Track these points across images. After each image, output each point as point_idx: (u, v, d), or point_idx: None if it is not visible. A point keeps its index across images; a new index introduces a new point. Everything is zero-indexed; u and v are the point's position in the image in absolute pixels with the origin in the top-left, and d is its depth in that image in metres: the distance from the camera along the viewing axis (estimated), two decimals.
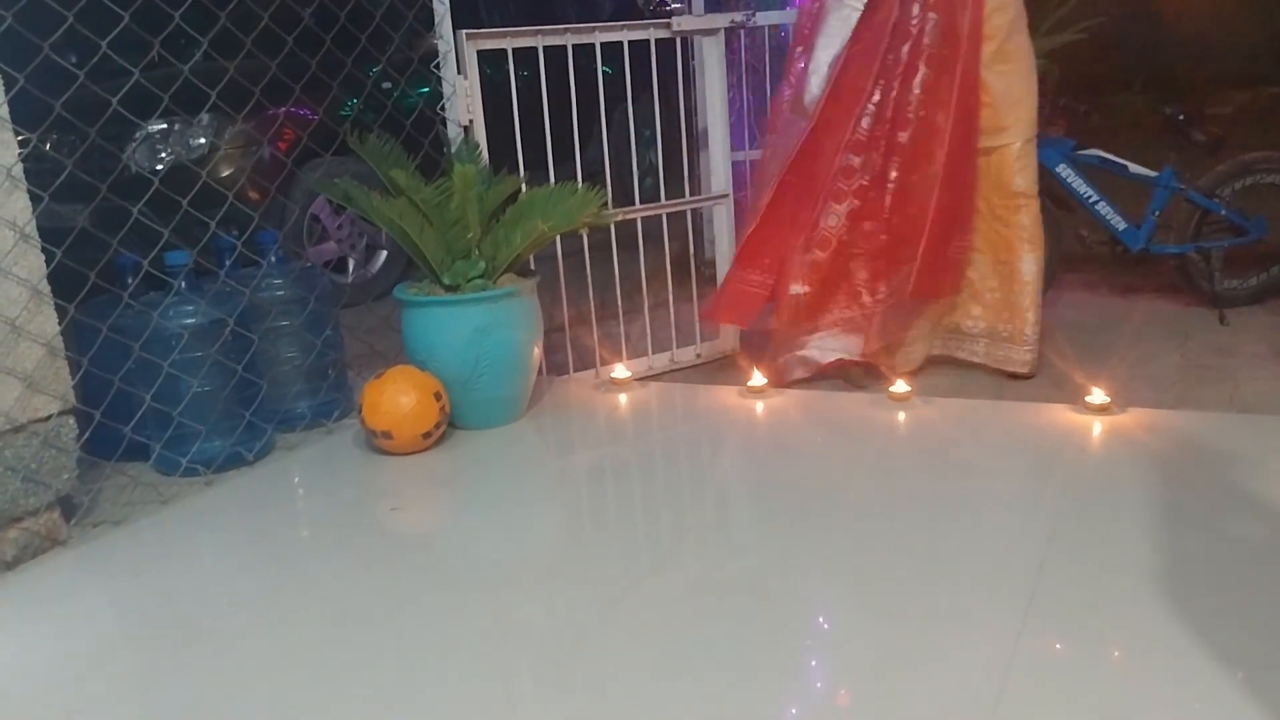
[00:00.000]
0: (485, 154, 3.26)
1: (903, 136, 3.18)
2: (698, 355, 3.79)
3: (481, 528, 2.50)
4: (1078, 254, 4.23)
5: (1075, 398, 2.92)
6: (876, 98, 3.19)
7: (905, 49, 3.17)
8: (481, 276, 2.98)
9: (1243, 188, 3.83)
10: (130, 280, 2.79)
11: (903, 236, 3.20)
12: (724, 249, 3.80)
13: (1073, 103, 3.79)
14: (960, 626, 1.86)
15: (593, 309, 3.60)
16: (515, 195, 3.12)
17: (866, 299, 3.25)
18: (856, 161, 3.20)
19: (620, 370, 3.41)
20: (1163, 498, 2.32)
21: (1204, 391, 3.12)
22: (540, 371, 3.22)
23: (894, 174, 3.20)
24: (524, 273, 3.14)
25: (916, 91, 3.17)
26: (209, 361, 2.77)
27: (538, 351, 3.12)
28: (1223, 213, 3.81)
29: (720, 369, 3.71)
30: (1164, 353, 3.50)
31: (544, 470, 2.88)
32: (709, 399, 3.28)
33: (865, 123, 3.20)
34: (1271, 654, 1.71)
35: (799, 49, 3.38)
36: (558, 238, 3.19)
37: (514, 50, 3.31)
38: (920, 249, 3.16)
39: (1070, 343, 3.57)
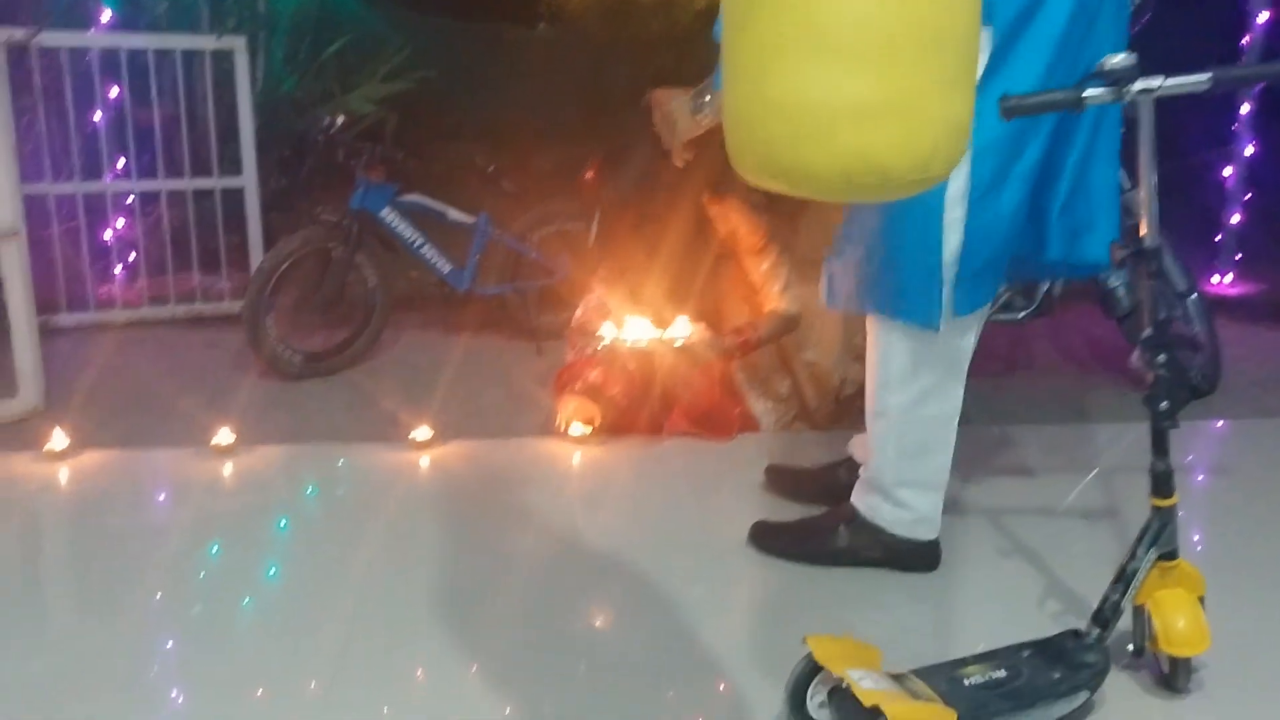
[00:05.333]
0: None
1: None
2: None
3: None
4: (411, 295, 4.40)
5: (403, 435, 3.00)
6: None
7: None
8: None
9: (548, 233, 4.27)
10: None
11: None
12: (16, 290, 3.30)
13: (390, 150, 3.92)
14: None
15: None
16: None
17: None
18: None
19: None
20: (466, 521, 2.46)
21: (522, 419, 3.39)
22: None
23: None
24: None
25: None
26: None
27: None
28: (533, 255, 4.21)
29: (15, 433, 3.22)
30: (490, 386, 3.75)
31: None
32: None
33: None
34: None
35: None
36: None
37: None
38: None
39: (407, 382, 3.67)
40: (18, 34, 3.22)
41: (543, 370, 3.92)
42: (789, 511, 2.51)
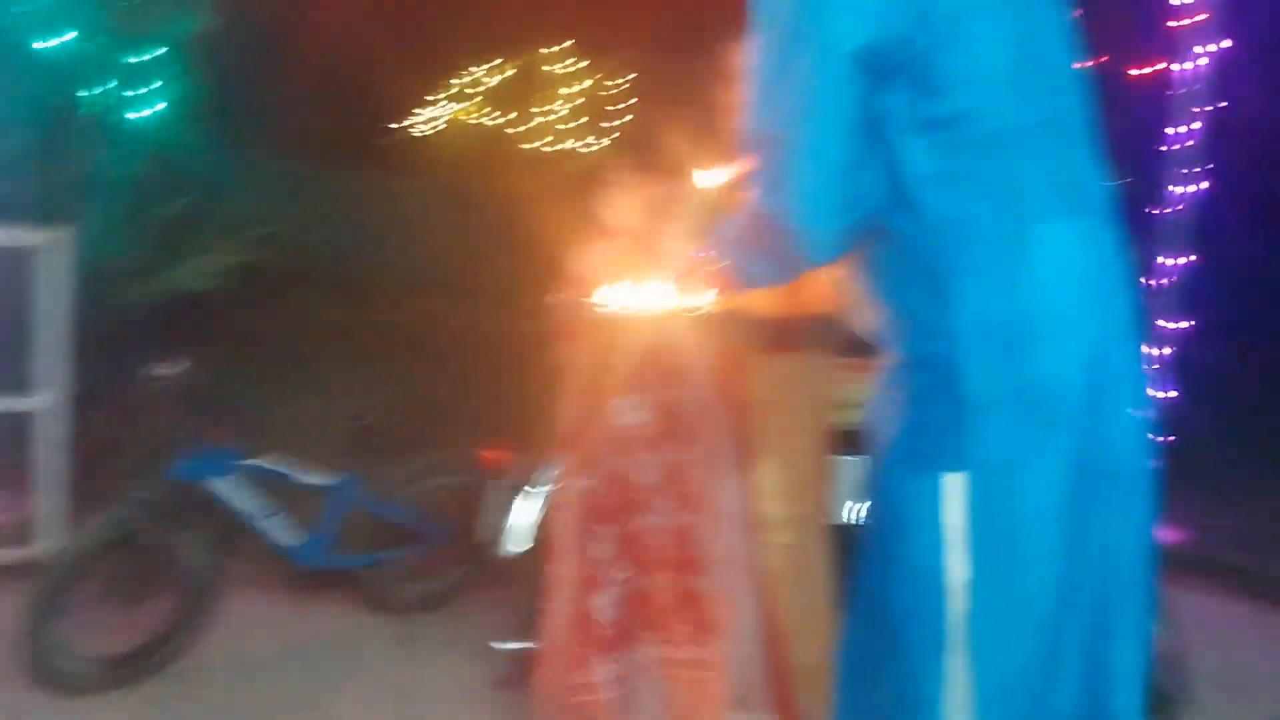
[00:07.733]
0: None
1: None
2: None
3: None
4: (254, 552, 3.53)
5: None
6: None
7: None
8: None
9: (426, 490, 3.48)
10: None
11: None
12: None
13: (232, 406, 3.09)
14: None
15: None
16: None
17: None
18: None
19: None
20: None
21: None
22: None
23: None
24: None
25: None
26: None
27: None
28: (404, 521, 3.41)
29: None
30: (329, 703, 2.91)
31: None
32: None
33: None
34: None
35: None
36: None
37: None
38: None
39: (233, 699, 2.83)
40: None
41: (410, 672, 3.11)
42: None
